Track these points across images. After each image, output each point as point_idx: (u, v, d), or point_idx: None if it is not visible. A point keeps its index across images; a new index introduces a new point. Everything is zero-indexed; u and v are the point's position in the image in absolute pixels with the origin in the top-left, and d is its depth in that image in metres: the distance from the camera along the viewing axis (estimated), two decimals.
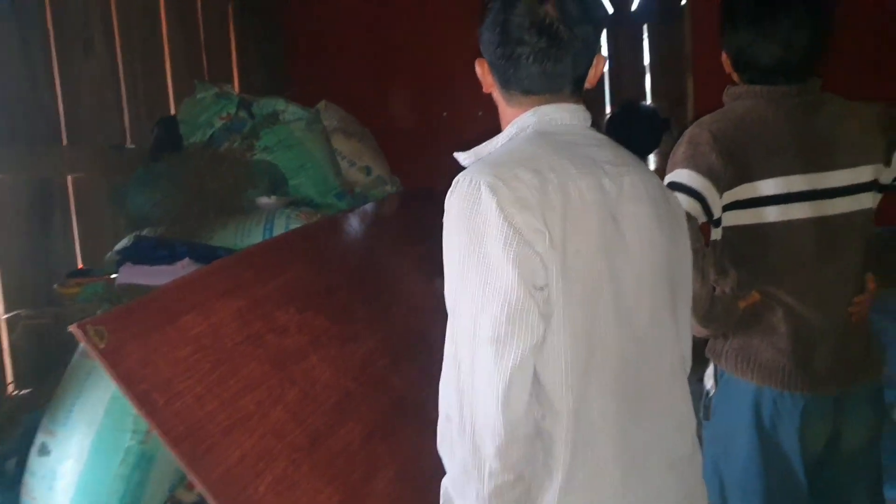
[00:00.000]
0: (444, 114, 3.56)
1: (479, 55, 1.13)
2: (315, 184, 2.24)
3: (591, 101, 5.53)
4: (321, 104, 2.64)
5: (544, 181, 0.97)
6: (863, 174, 1.46)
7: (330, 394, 1.60)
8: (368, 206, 2.42)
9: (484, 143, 1.12)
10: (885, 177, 1.49)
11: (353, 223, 2.23)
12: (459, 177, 1.01)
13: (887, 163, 1.48)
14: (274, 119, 2.19)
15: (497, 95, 1.14)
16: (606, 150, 1.07)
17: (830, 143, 1.44)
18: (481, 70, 1.13)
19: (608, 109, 5.50)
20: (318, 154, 2.26)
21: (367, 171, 2.64)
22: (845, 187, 1.45)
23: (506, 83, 1.09)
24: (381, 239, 2.30)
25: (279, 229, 1.96)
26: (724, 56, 1.56)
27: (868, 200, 1.48)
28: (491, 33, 1.06)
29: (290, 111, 2.24)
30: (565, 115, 1.08)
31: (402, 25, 3.57)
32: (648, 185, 1.08)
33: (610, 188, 1.02)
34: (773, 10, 1.43)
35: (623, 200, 1.03)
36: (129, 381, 1.23)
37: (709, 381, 1.64)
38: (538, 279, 0.95)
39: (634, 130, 3.41)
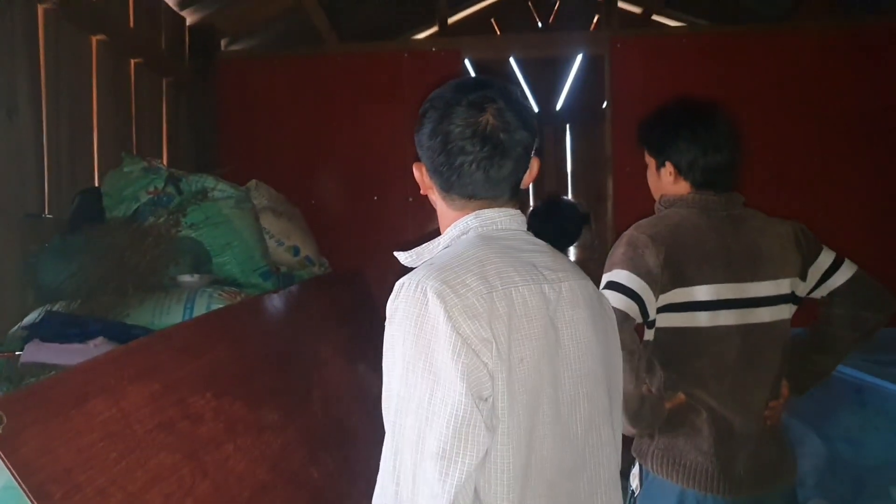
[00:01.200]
0: (375, 197, 3.60)
1: (416, 158, 1.14)
2: (240, 262, 2.20)
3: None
4: (251, 183, 2.64)
5: (490, 288, 0.96)
6: (782, 286, 1.56)
7: (244, 487, 1.53)
8: (294, 288, 2.39)
9: (424, 245, 1.12)
10: (801, 290, 1.61)
11: (277, 305, 2.19)
12: (404, 280, 0.99)
13: (803, 277, 1.60)
14: (202, 196, 2.17)
15: (436, 198, 1.14)
16: (545, 256, 1.08)
17: (755, 255, 1.55)
18: (419, 174, 1.14)
19: (531, 203, 5.75)
20: (245, 232, 2.24)
21: (295, 251, 2.62)
22: (767, 297, 1.55)
23: (448, 188, 1.09)
24: (304, 322, 2.26)
25: (200, 309, 1.90)
26: (652, 161, 1.70)
27: (786, 311, 1.58)
28: (431, 141, 1.07)
29: (220, 189, 2.23)
30: (506, 220, 1.09)
31: (335, 108, 3.64)
32: (584, 290, 1.09)
33: (550, 294, 1.02)
34: (711, 127, 1.62)
35: (562, 306, 1.03)
36: (25, 471, 1.14)
37: (634, 481, 1.66)
38: (484, 390, 0.93)
39: (556, 224, 3.54)
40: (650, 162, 1.71)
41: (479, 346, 0.92)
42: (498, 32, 5.36)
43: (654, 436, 1.59)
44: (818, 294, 1.64)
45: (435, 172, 1.10)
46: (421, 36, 4.82)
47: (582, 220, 3.60)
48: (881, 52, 3.46)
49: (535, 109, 5.66)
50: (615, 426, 1.11)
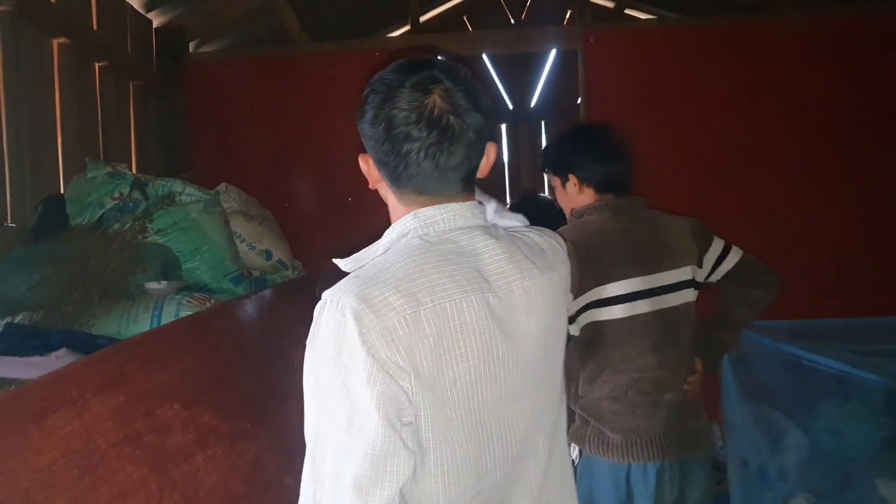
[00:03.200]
0: (349, 198, 3.56)
1: (363, 150, 1.06)
2: (211, 267, 2.15)
3: (494, 193, 5.77)
4: (221, 186, 2.59)
5: (417, 307, 0.89)
6: (684, 274, 1.80)
7: (216, 499, 1.48)
8: (266, 292, 2.34)
9: (365, 249, 1.04)
10: (700, 276, 1.85)
11: (249, 310, 2.14)
12: (327, 295, 0.92)
13: (700, 264, 1.85)
14: (169, 201, 2.11)
15: (385, 192, 1.06)
16: (496, 255, 1.00)
17: (661, 249, 1.78)
18: (366, 166, 1.05)
19: (507, 200, 5.74)
20: (214, 237, 2.18)
21: (267, 254, 2.57)
22: (673, 284, 1.77)
23: (396, 181, 1.00)
24: (277, 327, 2.21)
25: (168, 317, 1.85)
26: (557, 180, 1.92)
27: (690, 295, 1.82)
28: (374, 129, 0.98)
29: (188, 193, 2.17)
30: (449, 217, 0.99)
31: (308, 108, 3.59)
32: (540, 289, 1.02)
33: (495, 303, 0.96)
34: (603, 139, 1.87)
35: (514, 314, 0.97)
36: None
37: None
38: (405, 415, 0.88)
39: (533, 221, 3.51)
40: (556, 182, 1.92)
41: (397, 372, 0.87)
42: (470, 30, 5.34)
43: (590, 421, 1.78)
44: (714, 278, 1.90)
45: (381, 163, 1.00)
46: (393, 34, 4.78)
47: (558, 216, 3.58)
48: (854, 44, 3.47)
49: (510, 105, 5.64)
50: (557, 436, 1.08)
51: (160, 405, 1.51)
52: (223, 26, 3.81)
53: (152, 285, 1.99)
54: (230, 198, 2.54)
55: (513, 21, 5.33)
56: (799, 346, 2.67)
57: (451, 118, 0.95)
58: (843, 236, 3.45)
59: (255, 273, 2.47)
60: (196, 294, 1.97)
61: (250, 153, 3.53)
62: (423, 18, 4.80)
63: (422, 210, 1.00)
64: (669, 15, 4.46)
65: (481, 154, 1.02)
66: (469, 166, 1.00)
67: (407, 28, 4.67)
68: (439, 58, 1.02)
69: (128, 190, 2.14)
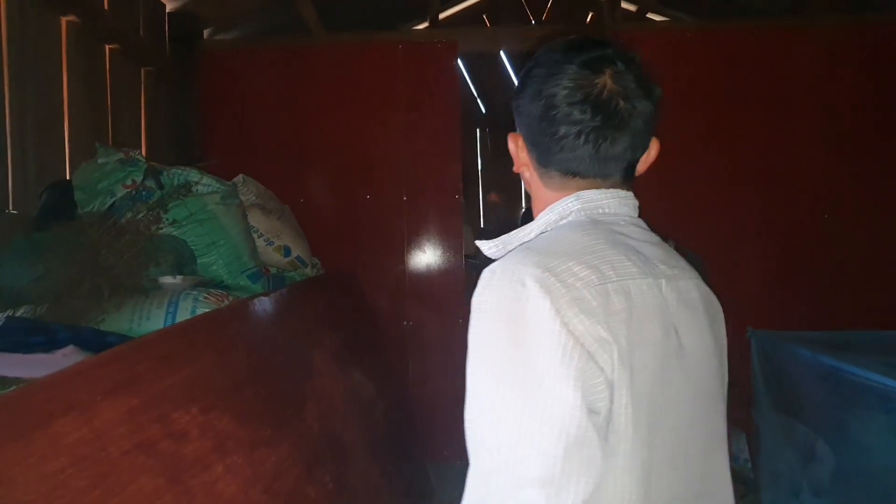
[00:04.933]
0: (368, 196, 3.44)
1: (512, 129, 0.98)
2: (227, 263, 2.02)
3: (510, 196, 5.70)
4: (239, 178, 2.46)
5: (603, 279, 0.80)
6: None
7: None
8: (285, 290, 2.22)
9: (514, 231, 0.95)
10: None
11: (268, 308, 2.01)
12: (494, 268, 0.82)
13: None
14: (186, 190, 1.99)
15: (532, 176, 0.98)
16: (658, 248, 0.92)
17: None
18: (514, 146, 0.98)
19: (524, 204, 5.64)
20: (232, 231, 2.06)
21: (286, 251, 2.44)
22: None
23: (546, 164, 0.93)
24: (296, 327, 2.09)
25: (184, 314, 1.72)
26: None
27: None
28: (532, 106, 0.90)
29: (205, 183, 2.04)
30: (614, 203, 0.92)
31: (325, 101, 3.47)
32: (700, 291, 0.93)
33: (668, 292, 0.86)
34: None
35: (680, 307, 0.87)
36: None
37: None
38: (598, 402, 0.76)
39: None
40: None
41: (595, 348, 0.75)
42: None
43: None
44: None
45: (533, 144, 0.94)
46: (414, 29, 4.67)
47: None
48: (882, 49, 3.36)
49: None
50: (726, 450, 0.95)
51: (176, 409, 1.39)
52: (238, 14, 3.70)
53: (167, 280, 1.87)
54: (248, 190, 2.42)
55: (533, 21, 5.22)
56: (838, 358, 2.55)
57: (621, 102, 0.87)
58: (886, 246, 3.33)
59: (273, 270, 2.35)
60: (213, 290, 1.84)
61: (264, 146, 3.41)
62: (442, 15, 4.69)
63: (584, 192, 0.92)
64: (688, 18, 4.35)
65: (646, 146, 0.93)
66: (632, 157, 0.92)
67: (426, 24, 4.56)
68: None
69: (141, 178, 2.02)
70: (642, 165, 0.95)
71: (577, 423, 0.73)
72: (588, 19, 4.85)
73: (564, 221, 0.92)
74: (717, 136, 3.35)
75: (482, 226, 4.37)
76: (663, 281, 0.86)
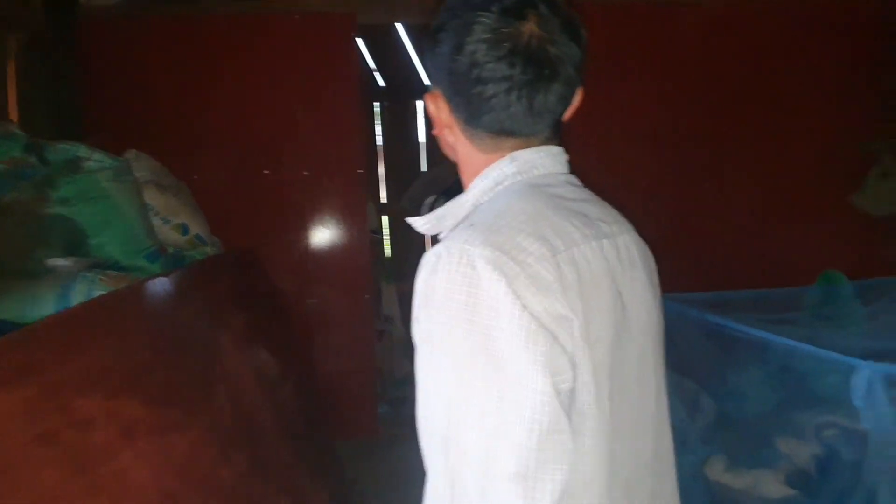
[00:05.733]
0: (267, 172, 3.35)
1: (429, 87, 0.90)
2: (123, 243, 1.92)
3: (411, 171, 5.69)
4: (131, 153, 2.33)
5: (553, 251, 0.75)
6: None
7: (148, 499, 1.32)
8: (186, 270, 2.14)
9: (448, 203, 0.88)
10: None
11: (170, 289, 1.94)
12: (439, 250, 0.76)
13: None
14: (75, 167, 1.86)
15: (458, 139, 0.90)
16: (595, 206, 0.88)
17: None
18: (434, 107, 0.89)
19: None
20: (127, 209, 1.96)
21: (184, 229, 2.35)
22: None
23: (474, 124, 0.85)
24: (200, 308, 2.03)
25: (79, 297, 1.64)
26: None
27: None
28: (452, 63, 0.82)
29: (96, 159, 1.92)
30: (548, 162, 0.87)
31: (220, 73, 3.33)
32: (637, 244, 0.91)
33: (609, 252, 0.83)
34: None
35: (623, 267, 0.84)
36: None
37: None
38: (562, 383, 0.72)
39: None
40: None
41: (556, 327, 0.72)
42: None
43: None
44: None
45: (457, 105, 0.85)
46: None
47: None
48: (768, 20, 3.59)
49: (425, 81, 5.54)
50: (668, 406, 0.93)
51: (78, 397, 1.32)
52: None
53: (58, 262, 1.75)
54: (141, 166, 2.30)
55: None
56: (719, 316, 2.77)
57: (551, 49, 0.80)
58: (764, 211, 3.62)
59: (171, 249, 2.26)
60: (108, 272, 1.75)
61: (155, 120, 3.23)
62: None
63: (519, 153, 0.86)
64: None
65: (574, 94, 0.87)
66: (563, 108, 0.86)
67: None
68: None
69: (20, 153, 1.87)
70: (568, 114, 0.90)
71: (549, 410, 0.70)
72: None
73: (500, 188, 0.86)
74: (611, 103, 3.46)
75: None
76: (605, 242, 0.83)
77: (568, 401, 0.73)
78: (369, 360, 3.59)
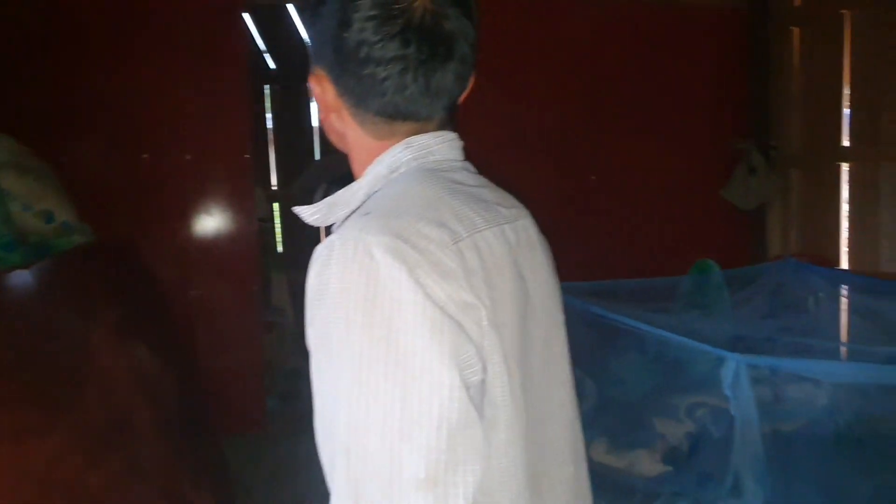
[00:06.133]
0: (145, 156, 3.16)
1: (311, 68, 0.81)
2: None
3: (303, 156, 5.54)
4: None
5: (454, 237, 0.71)
6: None
7: None
8: (51, 261, 1.99)
9: (339, 193, 0.81)
10: None
11: (31, 282, 1.79)
12: (333, 241, 0.69)
13: None
14: None
15: (346, 124, 0.82)
16: (492, 192, 0.84)
17: None
18: (319, 89, 0.80)
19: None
20: None
21: (48, 216, 2.17)
22: None
23: (364, 107, 0.78)
24: (67, 302, 1.89)
25: None
26: None
27: None
28: (337, 39, 0.74)
29: None
30: (444, 148, 0.81)
31: (93, 49, 3.09)
32: (536, 228, 0.88)
33: (511, 237, 0.79)
34: None
35: (523, 250, 0.81)
36: None
37: None
38: (472, 377, 0.68)
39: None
40: None
41: (462, 316, 0.67)
42: None
43: None
44: None
45: (345, 87, 0.77)
46: None
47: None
48: (647, 27, 3.77)
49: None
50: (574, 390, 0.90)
51: None
52: None
53: None
54: None
55: None
56: (599, 306, 2.89)
57: (446, 25, 0.74)
58: (642, 205, 3.80)
59: (33, 238, 2.08)
60: None
61: (15, 96, 2.96)
62: None
63: (414, 138, 0.80)
64: None
65: (471, 74, 0.81)
66: (462, 88, 0.80)
67: None
68: None
69: None
70: (462, 97, 0.83)
71: (458, 405, 0.65)
72: None
73: (396, 174, 0.79)
74: (496, 95, 3.48)
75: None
76: (506, 227, 0.79)
77: (479, 394, 0.69)
78: (257, 353, 3.49)
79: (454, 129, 0.84)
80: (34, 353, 1.57)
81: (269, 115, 5.48)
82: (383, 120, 0.79)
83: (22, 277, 1.77)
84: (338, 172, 3.47)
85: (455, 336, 0.66)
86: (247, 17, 4.55)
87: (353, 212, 0.79)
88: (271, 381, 3.93)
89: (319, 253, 0.70)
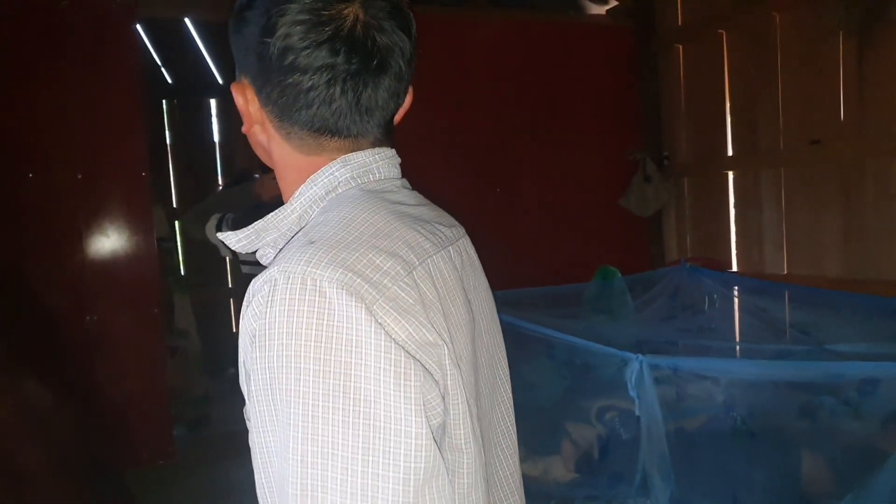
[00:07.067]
0: (30, 175, 2.97)
1: (235, 77, 0.76)
2: None
3: (205, 173, 5.37)
4: None
5: (408, 267, 0.65)
6: None
7: None
8: None
9: (269, 216, 0.74)
10: None
11: None
12: (273, 276, 0.62)
13: None
14: None
15: (271, 137, 0.76)
16: (432, 210, 0.80)
17: None
18: (242, 99, 0.75)
19: (220, 182, 5.37)
20: None
21: None
22: None
23: (290, 121, 0.72)
24: None
25: None
26: None
27: None
28: (261, 45, 0.69)
29: None
30: (384, 166, 0.76)
31: None
32: (473, 248, 0.84)
33: (456, 260, 0.75)
34: None
35: (467, 273, 0.77)
36: None
37: None
38: (435, 419, 0.63)
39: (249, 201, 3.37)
40: None
41: (423, 355, 0.62)
42: None
43: None
44: None
45: (269, 98, 0.72)
46: None
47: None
48: (544, 44, 3.91)
49: (219, 79, 5.25)
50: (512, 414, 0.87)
51: None
52: None
53: None
54: None
55: None
56: (512, 315, 2.96)
57: (378, 37, 0.69)
58: (546, 214, 3.92)
59: None
60: None
61: None
62: None
63: (352, 156, 0.73)
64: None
65: (405, 91, 0.76)
66: (396, 105, 0.75)
67: None
68: None
69: None
70: (399, 115, 0.79)
71: (426, 454, 0.60)
72: None
73: (333, 195, 0.73)
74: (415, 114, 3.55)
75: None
76: (451, 248, 0.75)
77: (440, 437, 0.64)
78: (161, 380, 3.33)
79: (391, 145, 0.79)
80: None
81: (167, 132, 5.29)
82: (310, 134, 0.73)
83: None
84: (235, 203, 3.36)
85: (420, 378, 0.61)
86: (141, 30, 4.38)
87: (288, 238, 0.73)
88: (178, 408, 3.76)
89: (258, 290, 0.63)
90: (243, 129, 0.78)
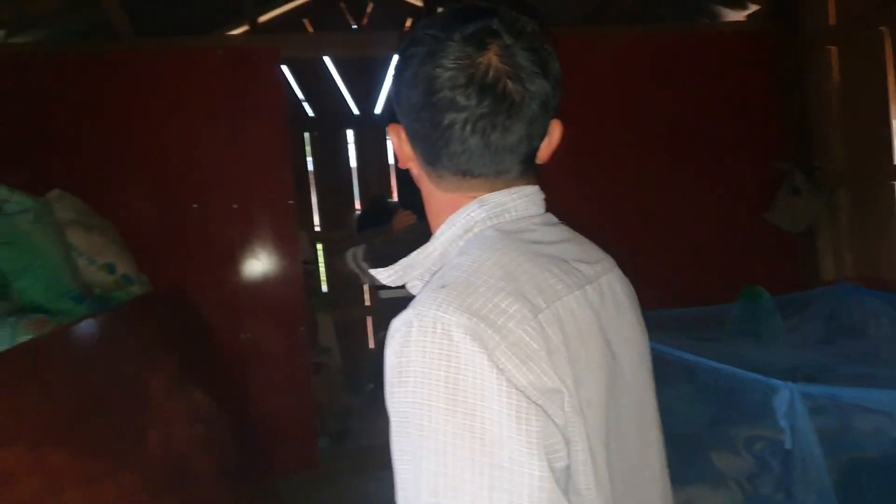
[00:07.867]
0: (195, 206, 3.28)
1: (394, 120, 0.83)
2: (46, 286, 1.85)
3: (344, 198, 5.69)
4: (54, 193, 2.25)
5: (534, 310, 0.67)
6: None
7: None
8: (113, 311, 2.07)
9: (415, 253, 0.80)
10: None
11: (96, 332, 1.88)
12: (409, 318, 0.67)
13: None
14: None
15: (420, 174, 0.83)
16: (573, 245, 0.81)
17: None
18: (397, 139, 0.83)
19: (357, 206, 5.66)
20: (48, 251, 1.88)
21: (111, 268, 2.28)
22: None
23: (433, 161, 0.78)
24: (129, 350, 1.97)
25: (3, 344, 1.56)
26: None
27: None
28: (411, 91, 0.76)
29: (16, 201, 1.85)
30: (521, 204, 0.79)
31: (142, 110, 3.25)
32: (621, 281, 0.84)
33: (594, 298, 0.76)
34: None
35: (608, 312, 0.77)
36: None
37: None
38: (557, 463, 0.65)
39: (382, 225, 3.52)
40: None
41: (545, 401, 0.65)
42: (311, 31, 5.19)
43: None
44: None
45: (416, 137, 0.79)
46: (231, 34, 4.51)
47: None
48: (678, 57, 3.79)
49: (355, 111, 5.54)
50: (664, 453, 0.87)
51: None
52: (36, 15, 3.36)
53: None
54: (64, 206, 2.22)
55: (354, 26, 5.25)
56: (651, 338, 2.85)
57: (510, 84, 0.73)
58: (680, 234, 3.77)
59: (98, 290, 2.18)
60: (33, 316, 1.68)
61: (73, 158, 3.13)
62: (262, 19, 4.58)
63: (489, 196, 0.78)
64: None
65: (545, 132, 0.79)
66: (529, 147, 0.78)
67: (245, 28, 4.43)
68: (501, 7, 0.78)
69: None
70: (544, 152, 0.82)
71: (548, 496, 0.62)
72: (406, 26, 4.97)
73: (470, 234, 0.78)
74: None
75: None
76: (588, 288, 0.76)
77: (564, 480, 0.67)
78: (307, 394, 3.53)
79: (536, 181, 0.82)
80: (102, 398, 1.63)
81: (310, 160, 5.65)
82: (451, 174, 0.79)
83: (88, 328, 1.85)
84: (378, 247, 3.50)
85: (541, 422, 0.63)
86: (285, 69, 4.73)
87: (431, 274, 0.79)
88: (321, 421, 3.97)
89: (397, 329, 0.68)
90: (400, 164, 0.85)
